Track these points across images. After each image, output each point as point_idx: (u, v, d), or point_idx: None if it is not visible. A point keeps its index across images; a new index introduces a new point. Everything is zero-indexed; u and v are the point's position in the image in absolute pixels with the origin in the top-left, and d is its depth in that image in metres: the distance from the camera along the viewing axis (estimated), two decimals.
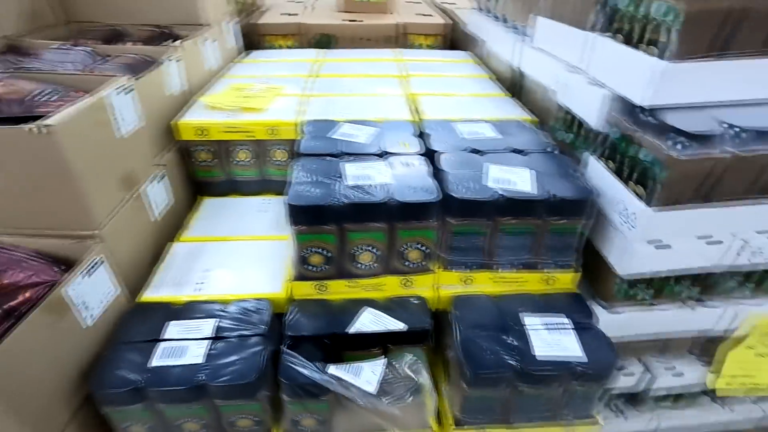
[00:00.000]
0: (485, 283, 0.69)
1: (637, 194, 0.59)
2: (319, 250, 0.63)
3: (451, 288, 0.69)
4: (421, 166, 0.69)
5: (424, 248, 0.65)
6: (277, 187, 0.91)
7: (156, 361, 0.57)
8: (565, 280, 0.69)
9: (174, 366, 0.56)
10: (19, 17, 0.98)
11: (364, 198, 0.60)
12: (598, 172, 0.67)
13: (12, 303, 0.56)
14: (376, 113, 0.89)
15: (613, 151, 0.65)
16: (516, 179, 0.65)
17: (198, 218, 0.86)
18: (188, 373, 0.55)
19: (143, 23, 1.08)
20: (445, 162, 0.69)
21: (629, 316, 0.68)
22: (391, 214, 0.61)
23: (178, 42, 0.92)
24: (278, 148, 0.87)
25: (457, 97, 0.97)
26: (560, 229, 0.64)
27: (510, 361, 0.57)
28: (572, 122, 0.77)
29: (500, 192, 0.62)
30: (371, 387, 0.55)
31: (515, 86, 1.05)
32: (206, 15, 1.10)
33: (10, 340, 0.48)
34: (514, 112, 0.91)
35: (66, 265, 0.61)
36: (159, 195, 0.79)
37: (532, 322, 0.63)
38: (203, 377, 0.55)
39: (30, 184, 0.58)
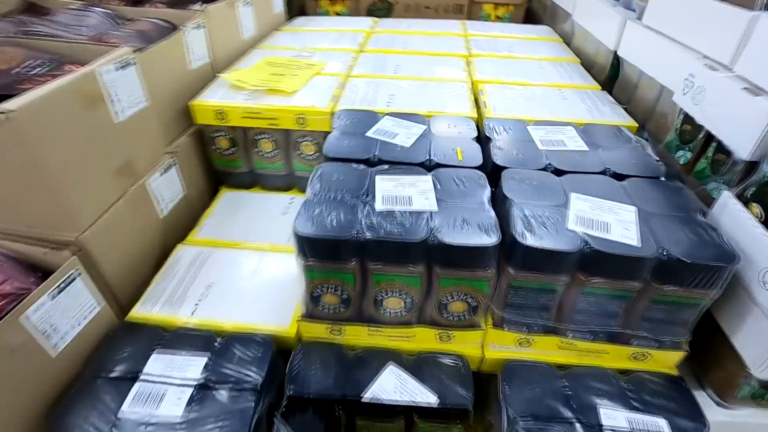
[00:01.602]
0: (549, 349, 0.52)
1: None
2: (334, 290, 0.49)
3: (502, 348, 0.53)
4: (478, 188, 0.52)
5: (471, 300, 0.49)
6: (303, 185, 0.78)
7: (127, 409, 0.47)
8: (664, 359, 0.51)
9: (145, 422, 0.46)
10: None
11: (396, 234, 0.44)
12: (736, 220, 0.46)
13: None
14: (429, 104, 0.71)
15: (763, 193, 0.44)
16: (611, 221, 0.46)
17: (214, 214, 0.75)
18: None
19: None
20: (512, 187, 0.51)
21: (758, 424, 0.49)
22: (432, 256, 0.46)
23: (202, 5, 0.78)
24: (307, 141, 0.73)
25: (533, 89, 0.77)
26: (672, 300, 0.45)
27: None
28: (696, 137, 0.55)
29: (587, 241, 0.44)
30: None
31: (606, 75, 0.83)
32: None
33: None
34: (607, 113, 0.70)
35: (45, 273, 0.52)
36: (167, 188, 0.68)
37: (613, 420, 0.46)
38: None
39: (1, 178, 0.49)
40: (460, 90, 0.77)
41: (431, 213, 0.48)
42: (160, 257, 0.67)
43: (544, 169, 0.56)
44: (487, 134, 0.63)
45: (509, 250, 0.45)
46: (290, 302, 0.57)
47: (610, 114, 0.70)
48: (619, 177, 0.55)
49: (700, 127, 0.55)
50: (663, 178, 0.55)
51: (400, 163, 0.56)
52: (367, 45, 0.98)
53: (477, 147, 0.60)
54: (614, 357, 0.51)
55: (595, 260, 0.44)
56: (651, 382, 0.50)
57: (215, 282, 0.61)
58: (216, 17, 0.80)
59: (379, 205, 0.48)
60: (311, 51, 0.92)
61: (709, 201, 0.51)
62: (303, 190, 0.79)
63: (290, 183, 0.80)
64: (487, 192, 0.51)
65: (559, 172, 0.55)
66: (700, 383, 0.53)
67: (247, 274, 0.62)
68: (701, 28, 0.55)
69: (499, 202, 0.51)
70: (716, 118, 0.51)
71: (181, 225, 0.72)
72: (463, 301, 0.49)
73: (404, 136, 0.62)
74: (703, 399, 0.52)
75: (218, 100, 0.71)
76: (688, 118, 0.57)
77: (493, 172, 0.56)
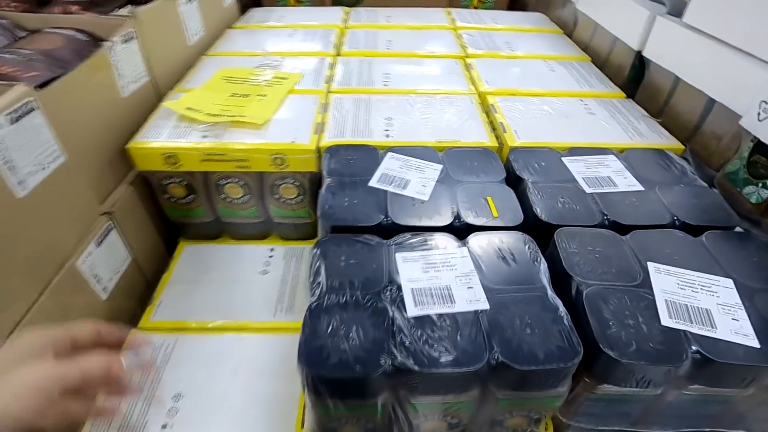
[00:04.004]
0: None
1: None
2: (356, 422, 0.36)
3: None
4: (529, 262, 0.40)
5: (534, 415, 0.38)
6: (287, 231, 0.64)
7: None
8: None
9: None
10: None
11: (447, 363, 0.32)
12: None
13: None
14: (437, 131, 0.58)
15: None
16: (712, 306, 0.36)
17: (173, 282, 0.58)
18: None
19: None
20: (572, 259, 0.40)
21: None
22: (493, 380, 0.34)
23: (130, 8, 0.60)
24: (288, 183, 0.58)
25: (552, 101, 0.65)
26: None
27: None
28: None
29: (692, 344, 0.34)
30: None
31: (625, 77, 0.72)
32: None
33: None
34: (645, 132, 0.60)
35: None
36: (107, 261, 0.52)
37: None
38: None
39: None
40: (469, 108, 0.64)
41: (481, 313, 0.35)
42: None
43: (601, 225, 0.44)
44: (518, 173, 0.51)
45: (591, 359, 0.34)
46: (289, 415, 0.44)
47: (649, 133, 0.59)
48: (689, 226, 0.45)
49: None
50: (736, 228, 0.45)
51: (421, 229, 0.43)
52: (343, 45, 0.82)
53: (511, 195, 0.48)
54: None
55: (703, 370, 0.33)
56: None
57: (184, 392, 0.47)
58: (151, 22, 0.62)
59: (411, 309, 0.35)
60: (278, 57, 0.75)
61: None
62: (283, 238, 0.65)
63: (266, 230, 0.65)
64: (543, 267, 0.39)
65: (619, 226, 0.44)
66: None
67: (227, 374, 0.48)
68: None
69: (559, 278, 0.39)
70: None
71: (133, 299, 0.57)
72: (524, 417, 0.38)
73: (418, 182, 0.48)
74: None
75: (166, 141, 0.54)
76: (761, 149, 0.47)
77: (534, 226, 0.45)
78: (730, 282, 0.38)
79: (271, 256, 0.62)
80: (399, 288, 0.37)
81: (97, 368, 0.30)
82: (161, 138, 0.54)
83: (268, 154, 0.54)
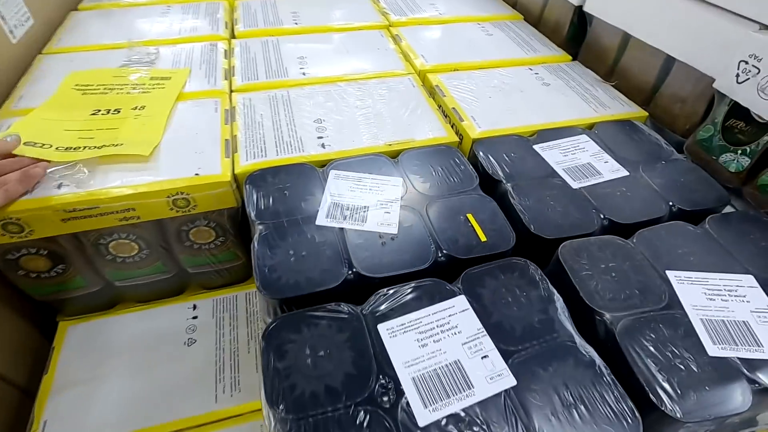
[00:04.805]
0: None
1: None
2: None
3: None
4: (541, 300, 0.32)
5: None
6: (210, 279, 0.50)
7: None
8: None
9: None
10: None
11: None
12: None
13: None
14: (381, 129, 0.47)
15: None
16: (748, 317, 0.31)
17: (58, 389, 0.42)
18: None
19: None
20: (586, 283, 0.33)
21: None
22: None
23: None
24: (200, 227, 0.43)
25: (499, 74, 0.57)
26: None
27: None
28: (756, 138, 0.42)
29: (747, 373, 0.29)
30: None
31: (564, 36, 0.66)
32: None
33: None
34: (605, 100, 0.54)
35: None
36: None
37: None
38: None
39: None
40: (410, 91, 0.53)
41: (508, 393, 0.27)
42: None
43: (601, 229, 0.38)
44: (490, 173, 0.42)
45: (643, 415, 0.27)
46: None
47: (610, 101, 0.54)
48: (686, 216, 0.40)
49: (764, 127, 0.41)
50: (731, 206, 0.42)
51: (399, 279, 0.32)
52: (237, 23, 0.65)
53: (493, 206, 0.39)
54: None
55: (760, 399, 0.29)
56: None
57: None
58: None
59: (420, 413, 0.25)
60: (151, 47, 0.57)
61: None
62: (205, 287, 0.51)
63: (181, 283, 0.50)
64: (560, 305, 0.32)
65: (617, 226, 0.38)
66: None
67: None
68: None
69: (576, 310, 0.32)
70: None
71: (2, 428, 0.40)
72: None
73: (379, 209, 0.37)
74: None
75: None
76: (737, 112, 0.43)
77: (528, 242, 0.37)
78: (751, 279, 0.34)
79: (194, 317, 0.48)
80: (396, 381, 0.27)
81: None
82: None
83: (164, 197, 0.39)
